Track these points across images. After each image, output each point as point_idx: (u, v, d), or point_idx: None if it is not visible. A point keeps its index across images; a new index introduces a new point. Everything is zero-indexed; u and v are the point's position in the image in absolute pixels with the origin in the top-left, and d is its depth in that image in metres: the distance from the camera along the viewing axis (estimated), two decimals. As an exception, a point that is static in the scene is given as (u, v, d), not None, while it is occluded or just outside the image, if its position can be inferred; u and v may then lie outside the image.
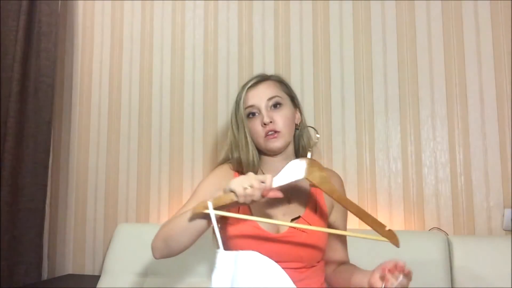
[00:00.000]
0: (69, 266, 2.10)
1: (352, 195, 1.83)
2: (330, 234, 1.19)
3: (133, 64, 2.17)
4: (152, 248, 1.10)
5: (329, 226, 1.24)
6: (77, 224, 2.13)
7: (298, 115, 1.27)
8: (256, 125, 1.18)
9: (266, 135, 1.16)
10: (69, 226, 2.14)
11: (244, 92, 1.21)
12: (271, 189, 0.96)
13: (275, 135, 1.16)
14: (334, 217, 1.26)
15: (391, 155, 1.84)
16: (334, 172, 1.31)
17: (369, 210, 1.82)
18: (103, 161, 2.13)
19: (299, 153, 1.28)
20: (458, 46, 1.83)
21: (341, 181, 1.30)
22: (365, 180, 1.84)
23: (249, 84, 1.22)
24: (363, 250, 1.56)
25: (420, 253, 1.55)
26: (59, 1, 2.19)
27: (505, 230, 1.70)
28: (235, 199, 0.94)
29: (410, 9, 1.89)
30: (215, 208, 0.94)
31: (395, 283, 0.88)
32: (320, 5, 1.98)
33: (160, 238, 1.08)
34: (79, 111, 2.20)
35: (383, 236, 1.03)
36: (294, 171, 1.03)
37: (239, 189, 0.93)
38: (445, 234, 1.65)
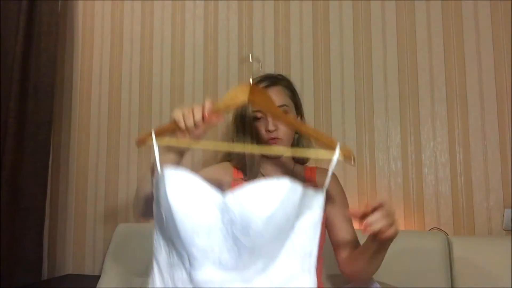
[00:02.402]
0: (69, 266, 2.10)
1: (352, 195, 1.83)
2: (331, 215, 1.19)
3: (133, 64, 2.17)
4: (133, 211, 1.07)
5: (326, 219, 1.20)
6: (77, 224, 2.13)
7: (299, 119, 1.28)
8: (260, 129, 1.20)
9: (269, 141, 1.18)
10: (69, 226, 2.14)
11: None
12: (213, 113, 0.91)
13: (276, 141, 1.18)
14: (329, 209, 1.21)
15: (391, 155, 1.84)
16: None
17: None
18: (103, 161, 2.13)
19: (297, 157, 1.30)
20: (458, 46, 1.83)
21: (336, 179, 1.25)
22: (365, 180, 1.84)
23: (261, 85, 1.22)
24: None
25: (420, 253, 1.55)
26: (59, 1, 2.19)
27: (505, 230, 1.70)
28: (175, 125, 0.91)
29: (410, 9, 1.89)
30: (157, 137, 0.91)
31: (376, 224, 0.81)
32: (320, 5, 1.98)
33: (134, 197, 1.05)
34: (79, 111, 2.21)
35: (325, 144, 0.94)
36: (236, 94, 0.99)
37: (178, 114, 0.91)
38: (445, 234, 1.65)
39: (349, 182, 1.84)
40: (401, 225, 1.79)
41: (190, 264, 0.76)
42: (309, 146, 1.28)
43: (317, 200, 0.81)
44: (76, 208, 2.14)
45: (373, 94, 1.88)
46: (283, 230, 0.74)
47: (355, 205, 1.82)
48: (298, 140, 1.29)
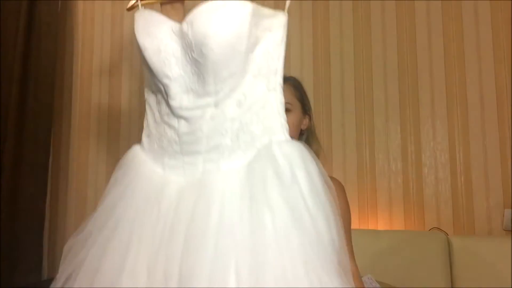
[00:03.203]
0: (69, 266, 2.10)
1: (352, 195, 1.83)
2: None
3: (133, 64, 2.17)
4: None
5: None
6: (77, 224, 2.13)
7: (306, 120, 1.23)
8: None
9: None
10: (69, 226, 2.13)
11: None
12: None
13: None
14: None
15: (391, 155, 1.84)
16: (335, 180, 1.24)
17: (369, 210, 1.82)
18: (103, 161, 2.13)
19: None
20: (458, 46, 1.83)
21: (342, 189, 1.22)
22: (365, 180, 1.84)
23: None
24: (364, 248, 1.57)
25: (420, 253, 1.55)
26: (59, 1, 2.19)
27: (505, 230, 1.70)
28: None
29: (410, 9, 1.89)
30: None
31: None
32: (320, 5, 1.98)
33: None
34: (79, 111, 2.20)
35: None
36: None
37: None
38: (445, 234, 1.65)
39: (349, 182, 1.84)
40: (401, 225, 1.79)
41: (167, 95, 0.78)
42: (318, 149, 1.23)
43: (278, 21, 0.79)
44: (76, 208, 2.14)
45: (373, 94, 1.88)
46: (240, 50, 0.73)
47: (355, 205, 1.82)
48: (303, 139, 1.25)
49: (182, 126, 0.76)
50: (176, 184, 0.74)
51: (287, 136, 0.74)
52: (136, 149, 0.85)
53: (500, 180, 1.73)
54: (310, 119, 1.25)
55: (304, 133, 1.25)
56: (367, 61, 1.91)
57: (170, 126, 0.77)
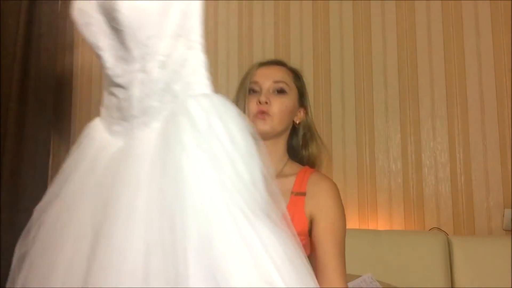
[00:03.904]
0: (69, 266, 2.10)
1: (352, 195, 1.83)
2: (316, 233, 1.01)
3: (133, 64, 2.17)
4: None
5: (313, 240, 1.03)
6: (77, 224, 2.13)
7: (301, 113, 1.16)
8: (251, 102, 1.09)
9: (256, 114, 1.07)
10: (69, 226, 2.13)
11: (255, 68, 1.16)
12: None
13: (264, 116, 1.07)
14: (317, 231, 1.03)
15: (391, 155, 1.84)
16: (327, 179, 1.11)
17: (369, 210, 1.82)
18: (103, 161, 2.13)
19: (292, 153, 1.15)
20: (458, 46, 1.83)
21: (334, 190, 1.08)
22: (365, 180, 1.84)
23: (264, 62, 1.18)
24: (364, 248, 1.57)
25: (420, 253, 1.55)
26: (59, 1, 2.19)
27: (505, 230, 1.70)
28: None
29: (410, 9, 1.89)
30: None
31: None
32: (320, 5, 1.98)
33: None
34: (79, 111, 2.20)
35: None
36: None
37: None
38: (445, 234, 1.65)
39: (349, 182, 1.84)
40: (401, 225, 1.79)
41: (104, 66, 0.80)
42: (319, 153, 1.14)
43: None
44: (76, 208, 2.14)
45: (373, 94, 1.88)
46: (152, 11, 0.74)
47: (355, 204, 1.82)
48: (294, 134, 1.16)
49: (120, 93, 0.78)
50: (114, 148, 0.77)
51: (209, 91, 0.74)
52: (95, 121, 0.88)
53: (500, 180, 1.73)
54: (305, 113, 1.17)
55: (300, 129, 1.16)
56: (367, 61, 1.91)
57: (113, 94, 0.80)
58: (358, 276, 1.46)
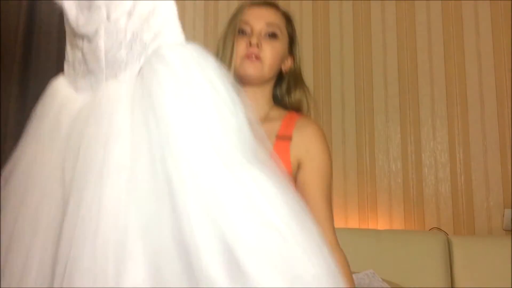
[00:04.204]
0: (69, 266, 2.10)
1: (352, 195, 1.83)
2: (302, 181, 0.98)
3: (133, 64, 2.17)
4: None
5: (299, 185, 1.00)
6: (77, 224, 2.13)
7: (289, 61, 1.12)
8: (241, 43, 1.03)
9: (247, 56, 1.01)
10: (69, 226, 2.13)
11: (246, 7, 1.09)
12: None
13: (255, 61, 1.01)
14: (303, 176, 1.00)
15: (391, 155, 1.84)
16: (312, 123, 1.08)
17: (369, 210, 1.82)
18: (103, 161, 2.13)
19: (276, 101, 1.11)
20: (458, 46, 1.83)
21: (319, 133, 1.04)
22: (365, 180, 1.84)
23: (255, 2, 1.11)
24: (364, 248, 1.57)
25: (420, 253, 1.55)
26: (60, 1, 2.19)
27: (505, 230, 1.70)
28: None
29: (410, 9, 1.89)
30: None
31: None
32: (320, 5, 1.98)
33: None
34: (79, 111, 2.21)
35: None
36: None
37: None
38: (445, 234, 1.65)
39: (349, 182, 1.84)
40: (401, 225, 1.79)
41: (67, 17, 0.78)
42: (304, 99, 1.10)
43: None
44: (76, 208, 2.14)
45: (373, 94, 1.88)
46: None
47: (355, 204, 1.82)
48: (287, 83, 1.12)
49: (84, 45, 0.75)
50: (80, 103, 0.73)
51: (182, 41, 0.68)
52: (58, 78, 0.84)
53: (500, 180, 1.73)
54: (293, 62, 1.13)
55: (285, 77, 1.11)
56: (367, 61, 1.91)
57: (77, 46, 0.76)
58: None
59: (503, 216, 1.70)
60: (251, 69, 1.01)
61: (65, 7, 0.76)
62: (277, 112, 1.07)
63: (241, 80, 1.01)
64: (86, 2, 0.73)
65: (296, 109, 1.09)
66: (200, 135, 0.58)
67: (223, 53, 1.06)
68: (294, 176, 1.00)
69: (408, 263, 1.54)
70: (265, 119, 1.04)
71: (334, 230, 0.97)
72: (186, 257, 0.51)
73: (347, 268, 0.94)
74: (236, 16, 1.09)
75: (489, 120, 1.76)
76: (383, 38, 1.90)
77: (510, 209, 1.69)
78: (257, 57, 1.01)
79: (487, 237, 1.66)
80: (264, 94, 1.07)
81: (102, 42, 0.72)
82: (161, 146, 0.58)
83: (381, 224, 1.80)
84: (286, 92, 1.11)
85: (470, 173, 1.76)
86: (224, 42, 1.07)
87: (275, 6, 1.13)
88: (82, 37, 0.75)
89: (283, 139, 1.00)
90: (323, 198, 0.97)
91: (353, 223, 1.81)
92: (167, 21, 0.69)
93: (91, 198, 0.59)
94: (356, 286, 1.07)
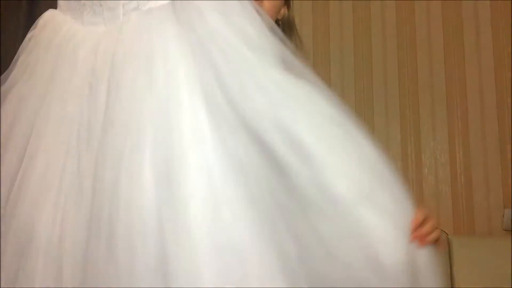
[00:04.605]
0: (69, 266, 2.10)
1: (352, 195, 1.83)
2: None
3: (133, 64, 2.17)
4: None
5: None
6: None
7: (284, 9, 1.09)
8: None
9: None
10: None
11: None
12: None
13: None
14: None
15: (391, 155, 1.84)
16: None
17: (369, 210, 1.82)
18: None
19: None
20: (458, 46, 1.83)
21: None
22: (365, 180, 1.84)
23: None
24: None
25: (420, 253, 1.55)
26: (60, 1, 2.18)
27: (505, 230, 1.70)
28: None
29: (410, 9, 1.89)
30: None
31: None
32: (320, 5, 1.98)
33: None
34: (79, 111, 2.20)
35: None
36: None
37: None
38: (445, 234, 1.65)
39: (349, 182, 1.84)
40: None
41: None
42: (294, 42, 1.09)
43: None
44: (76, 208, 2.14)
45: (373, 94, 1.88)
46: None
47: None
48: (284, 29, 1.08)
49: None
50: (95, 35, 0.65)
51: None
52: (49, 13, 0.77)
53: (500, 180, 1.73)
54: (287, 9, 1.10)
55: (280, 25, 1.07)
56: (367, 61, 1.91)
57: None
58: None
59: (503, 216, 1.70)
60: None
61: None
62: None
63: None
64: None
65: None
66: (254, 47, 0.56)
67: None
68: None
69: (408, 263, 1.54)
70: None
71: None
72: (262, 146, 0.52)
73: None
74: None
75: (489, 120, 1.76)
76: (383, 38, 1.90)
77: (510, 209, 1.69)
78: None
79: (487, 237, 1.66)
80: None
81: None
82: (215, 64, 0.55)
83: (381, 224, 1.80)
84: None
85: (470, 173, 1.76)
86: None
87: None
88: None
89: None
90: None
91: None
92: None
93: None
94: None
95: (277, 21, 1.07)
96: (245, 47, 0.56)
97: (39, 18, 0.78)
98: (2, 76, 0.74)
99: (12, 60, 2.14)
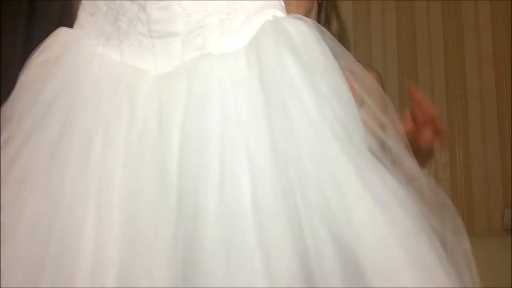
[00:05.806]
0: (69, 266, 2.10)
1: (352, 195, 1.84)
2: None
3: (133, 64, 2.17)
4: None
5: None
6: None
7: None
8: None
9: None
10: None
11: None
12: None
13: None
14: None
15: (391, 155, 1.84)
16: (373, 69, 1.08)
17: (369, 210, 1.82)
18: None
19: None
20: (458, 46, 1.83)
21: (379, 78, 1.04)
22: (365, 180, 1.84)
23: None
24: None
25: (420, 253, 1.55)
26: (59, 1, 2.19)
27: (505, 230, 1.70)
28: None
29: (410, 9, 1.89)
30: None
31: None
32: (320, 5, 1.98)
33: None
34: (79, 111, 2.20)
35: None
36: None
37: None
38: (445, 234, 1.65)
39: (349, 182, 1.84)
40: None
41: None
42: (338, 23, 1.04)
43: None
44: (76, 208, 2.14)
45: (373, 94, 1.88)
46: None
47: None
48: (327, 9, 1.04)
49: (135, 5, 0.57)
50: (147, 73, 0.56)
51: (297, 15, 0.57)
52: (66, 32, 0.64)
53: (500, 180, 1.73)
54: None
55: (322, 4, 1.02)
56: (367, 61, 1.91)
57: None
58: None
59: (503, 216, 1.70)
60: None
61: None
62: None
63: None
64: None
65: None
66: (327, 135, 0.49)
67: None
68: None
69: (408, 263, 1.54)
70: None
71: None
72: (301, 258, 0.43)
73: None
74: None
75: (489, 120, 1.76)
76: (383, 38, 1.90)
77: (510, 209, 1.69)
78: None
79: (487, 237, 1.66)
80: None
81: (184, 1, 0.55)
82: (290, 142, 0.48)
83: (381, 224, 1.80)
84: (325, 23, 1.03)
85: (470, 173, 1.76)
86: None
87: None
88: None
89: None
90: None
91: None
92: None
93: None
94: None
95: (318, 2, 1.01)
96: (330, 133, 0.49)
97: (47, 39, 0.66)
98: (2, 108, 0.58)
99: (12, 60, 2.12)
